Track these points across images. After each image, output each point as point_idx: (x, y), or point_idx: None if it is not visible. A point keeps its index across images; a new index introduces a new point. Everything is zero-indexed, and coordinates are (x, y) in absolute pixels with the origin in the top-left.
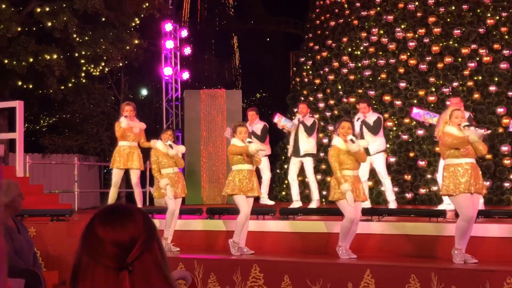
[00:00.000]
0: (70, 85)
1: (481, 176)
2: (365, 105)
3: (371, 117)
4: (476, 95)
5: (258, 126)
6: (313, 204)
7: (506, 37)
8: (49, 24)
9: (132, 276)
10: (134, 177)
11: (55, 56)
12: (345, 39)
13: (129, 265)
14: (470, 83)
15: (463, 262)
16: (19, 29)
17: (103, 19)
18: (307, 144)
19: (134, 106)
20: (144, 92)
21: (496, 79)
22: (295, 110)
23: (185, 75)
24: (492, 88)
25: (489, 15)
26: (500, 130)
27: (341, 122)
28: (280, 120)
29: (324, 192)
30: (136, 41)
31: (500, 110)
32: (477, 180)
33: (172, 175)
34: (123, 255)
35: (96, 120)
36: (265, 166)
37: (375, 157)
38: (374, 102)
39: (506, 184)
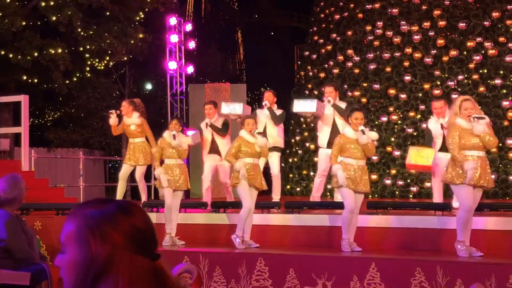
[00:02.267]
0: (75, 79)
1: (489, 171)
2: (331, 89)
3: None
4: (481, 89)
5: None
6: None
7: None
8: (54, 18)
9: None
10: (138, 172)
11: (60, 50)
12: (349, 33)
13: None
14: (475, 76)
15: (467, 255)
16: (24, 23)
17: (108, 13)
18: (276, 137)
19: (129, 101)
20: (148, 86)
21: (502, 72)
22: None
23: (190, 69)
24: (498, 81)
25: (494, 7)
26: (506, 123)
27: (354, 112)
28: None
29: (329, 186)
30: (141, 35)
31: (506, 103)
32: (484, 175)
33: (173, 166)
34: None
35: (101, 115)
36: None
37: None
38: (379, 96)
39: (511, 178)
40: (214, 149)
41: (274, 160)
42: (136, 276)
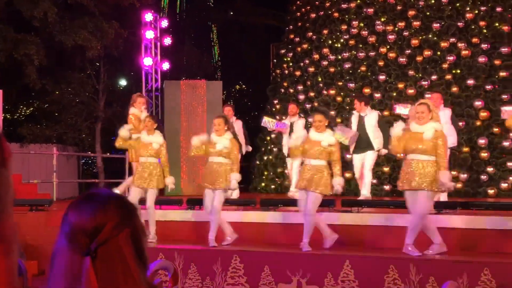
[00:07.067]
0: (48, 74)
1: (426, 173)
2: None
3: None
4: (454, 89)
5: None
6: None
7: (485, 31)
8: (28, 12)
9: (96, 263)
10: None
11: (34, 45)
12: (325, 32)
13: (92, 252)
14: (448, 77)
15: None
16: None
17: (83, 8)
18: None
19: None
20: (123, 82)
21: (474, 72)
22: (275, 101)
23: (165, 66)
24: (470, 82)
25: (468, 9)
26: (478, 123)
27: (314, 114)
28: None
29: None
30: (116, 31)
31: (478, 103)
32: (410, 177)
33: (144, 164)
34: (88, 241)
35: (75, 110)
36: None
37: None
38: (354, 94)
39: (483, 177)
40: None
41: None
42: None
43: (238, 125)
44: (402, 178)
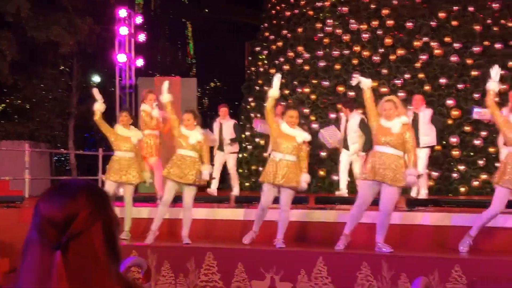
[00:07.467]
0: (21, 70)
1: (394, 168)
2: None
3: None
4: (427, 87)
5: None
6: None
7: (457, 30)
8: (1, 8)
9: (66, 257)
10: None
11: (6, 41)
12: (300, 30)
13: (62, 245)
14: (421, 75)
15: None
16: None
17: (56, 4)
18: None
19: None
20: (97, 78)
21: (446, 71)
22: (250, 99)
23: (140, 62)
24: (443, 81)
25: (441, 8)
26: (449, 122)
27: (288, 110)
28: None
29: None
30: (90, 27)
31: (450, 102)
32: (380, 170)
33: (121, 159)
34: (59, 234)
35: (47, 106)
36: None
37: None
38: (328, 93)
39: (454, 175)
40: None
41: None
42: None
43: (230, 124)
44: (367, 169)
